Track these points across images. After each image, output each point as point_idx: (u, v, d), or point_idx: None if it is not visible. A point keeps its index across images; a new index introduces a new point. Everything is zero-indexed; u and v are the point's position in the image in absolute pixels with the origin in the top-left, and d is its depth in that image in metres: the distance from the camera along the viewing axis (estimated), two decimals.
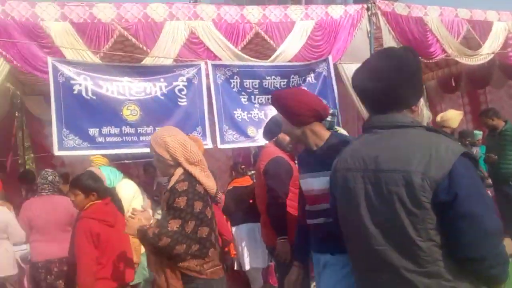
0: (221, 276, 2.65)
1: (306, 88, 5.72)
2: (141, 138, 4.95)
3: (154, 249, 2.51)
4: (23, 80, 6.68)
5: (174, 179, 2.56)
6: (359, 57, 5.84)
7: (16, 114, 7.92)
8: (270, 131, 3.76)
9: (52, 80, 4.68)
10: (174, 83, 5.19)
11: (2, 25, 4.52)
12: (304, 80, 5.74)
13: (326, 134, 2.44)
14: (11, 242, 4.37)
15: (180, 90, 5.22)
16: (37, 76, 5.04)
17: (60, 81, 4.72)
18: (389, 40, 5.96)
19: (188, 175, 2.55)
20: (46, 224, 4.32)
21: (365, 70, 1.76)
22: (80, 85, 4.81)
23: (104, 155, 4.82)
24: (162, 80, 5.15)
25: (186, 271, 2.50)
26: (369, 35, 5.90)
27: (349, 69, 5.87)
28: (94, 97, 4.87)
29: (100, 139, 4.87)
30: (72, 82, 4.77)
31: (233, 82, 5.43)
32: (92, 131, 4.84)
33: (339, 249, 2.32)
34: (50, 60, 4.67)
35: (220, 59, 5.31)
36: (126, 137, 4.96)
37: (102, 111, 4.89)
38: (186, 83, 5.22)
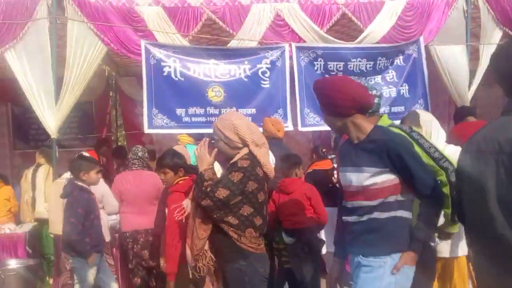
0: (262, 254, 2.67)
1: (393, 71, 5.50)
2: None
3: (195, 199, 2.63)
4: (117, 62, 7.12)
5: (238, 156, 2.64)
6: (453, 39, 5.49)
7: (111, 94, 8.47)
8: None
9: (145, 62, 4.95)
10: (258, 66, 5.23)
11: (100, 10, 4.83)
12: (392, 63, 5.49)
13: (368, 127, 2.29)
14: (106, 212, 4.71)
15: (264, 73, 5.26)
16: (131, 58, 5.36)
17: (152, 63, 4.98)
18: (488, 20, 5.50)
19: (251, 156, 2.62)
20: (135, 197, 4.60)
21: (506, 53, 1.70)
22: (169, 67, 5.03)
23: (189, 134, 5.05)
24: (246, 62, 5.22)
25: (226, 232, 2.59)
26: (466, 15, 5.48)
27: (442, 51, 5.51)
28: (182, 79, 5.08)
29: (186, 119, 5.09)
30: (162, 64, 5.01)
31: (317, 64, 5.35)
32: (179, 111, 5.07)
33: (370, 251, 2.25)
34: (143, 43, 4.93)
35: (304, 41, 5.25)
36: (210, 118, 5.11)
37: (189, 92, 5.10)
38: (269, 66, 5.25)
